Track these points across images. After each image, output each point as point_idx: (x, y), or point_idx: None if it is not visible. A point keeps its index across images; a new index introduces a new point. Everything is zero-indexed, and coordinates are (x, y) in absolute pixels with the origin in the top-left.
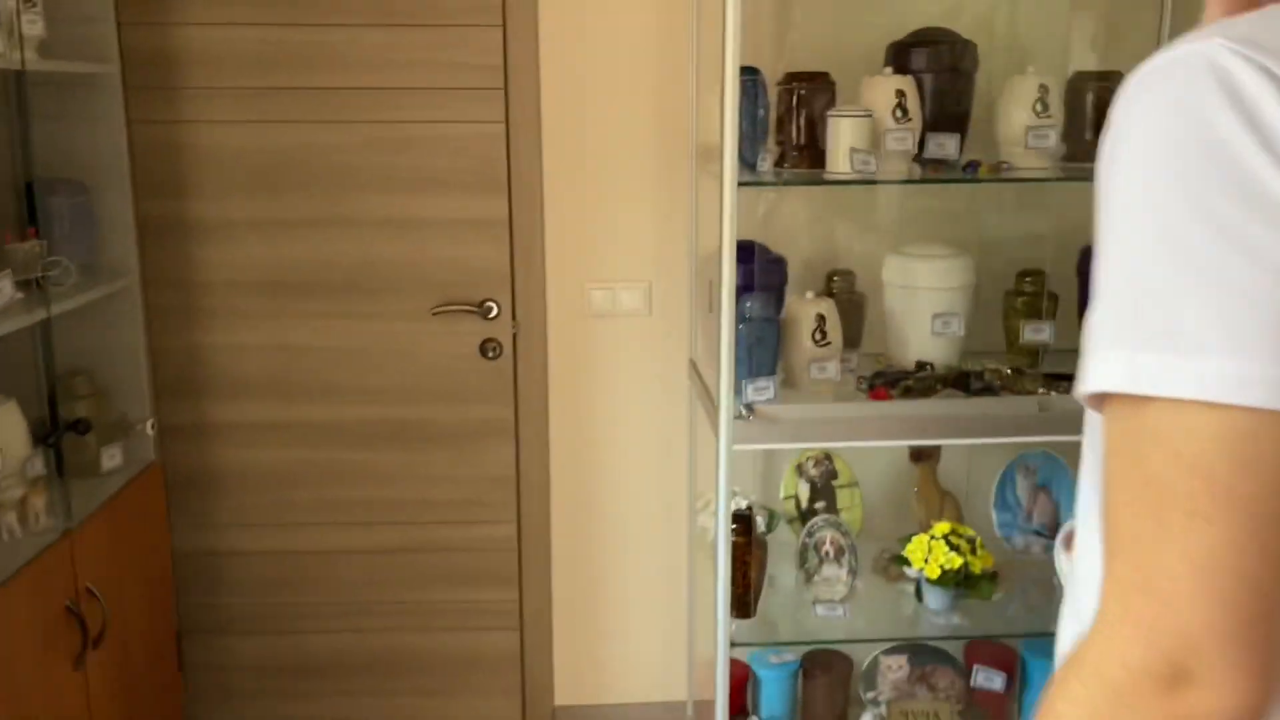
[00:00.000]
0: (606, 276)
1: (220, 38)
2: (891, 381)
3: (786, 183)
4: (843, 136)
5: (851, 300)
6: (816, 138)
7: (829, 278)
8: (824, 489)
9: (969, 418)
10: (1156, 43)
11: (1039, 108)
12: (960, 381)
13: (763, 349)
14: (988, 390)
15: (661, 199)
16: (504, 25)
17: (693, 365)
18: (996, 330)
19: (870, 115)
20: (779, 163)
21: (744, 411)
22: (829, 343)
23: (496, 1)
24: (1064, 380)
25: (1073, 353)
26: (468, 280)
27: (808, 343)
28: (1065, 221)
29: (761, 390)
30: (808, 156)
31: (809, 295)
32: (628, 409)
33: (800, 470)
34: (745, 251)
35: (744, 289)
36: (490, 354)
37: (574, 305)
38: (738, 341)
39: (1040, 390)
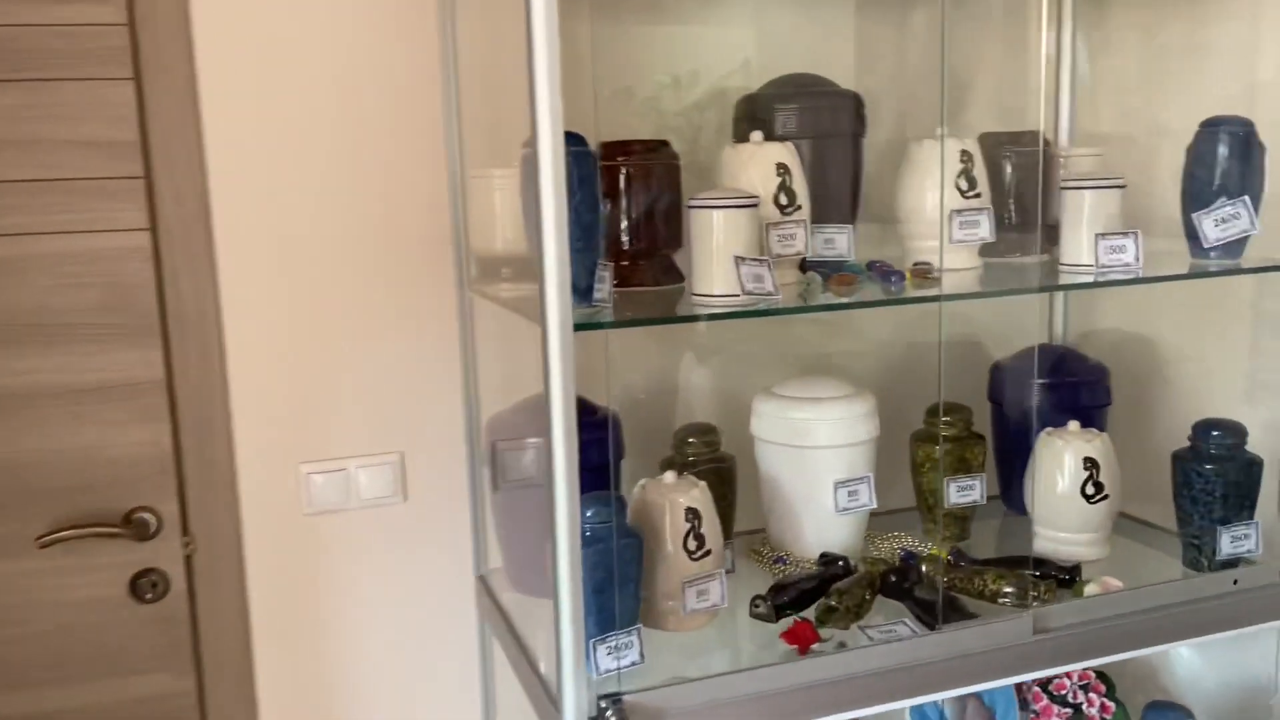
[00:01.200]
0: (332, 450)
1: None
2: (798, 597)
3: (654, 321)
4: (718, 237)
5: (719, 471)
6: (660, 238)
7: (681, 440)
8: None
9: (934, 660)
10: (1056, 95)
11: (964, 183)
12: (896, 585)
13: (621, 582)
14: (955, 608)
15: (412, 333)
16: (137, 77)
17: (483, 585)
18: (898, 485)
19: (757, 203)
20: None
21: (605, 710)
22: (708, 551)
23: (121, 40)
24: (1044, 572)
25: (990, 505)
26: (103, 482)
27: (678, 555)
28: (971, 332)
29: (623, 652)
30: (651, 268)
31: (668, 478)
32: (382, 658)
33: None
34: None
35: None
36: (148, 595)
37: (283, 499)
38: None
39: (1007, 593)
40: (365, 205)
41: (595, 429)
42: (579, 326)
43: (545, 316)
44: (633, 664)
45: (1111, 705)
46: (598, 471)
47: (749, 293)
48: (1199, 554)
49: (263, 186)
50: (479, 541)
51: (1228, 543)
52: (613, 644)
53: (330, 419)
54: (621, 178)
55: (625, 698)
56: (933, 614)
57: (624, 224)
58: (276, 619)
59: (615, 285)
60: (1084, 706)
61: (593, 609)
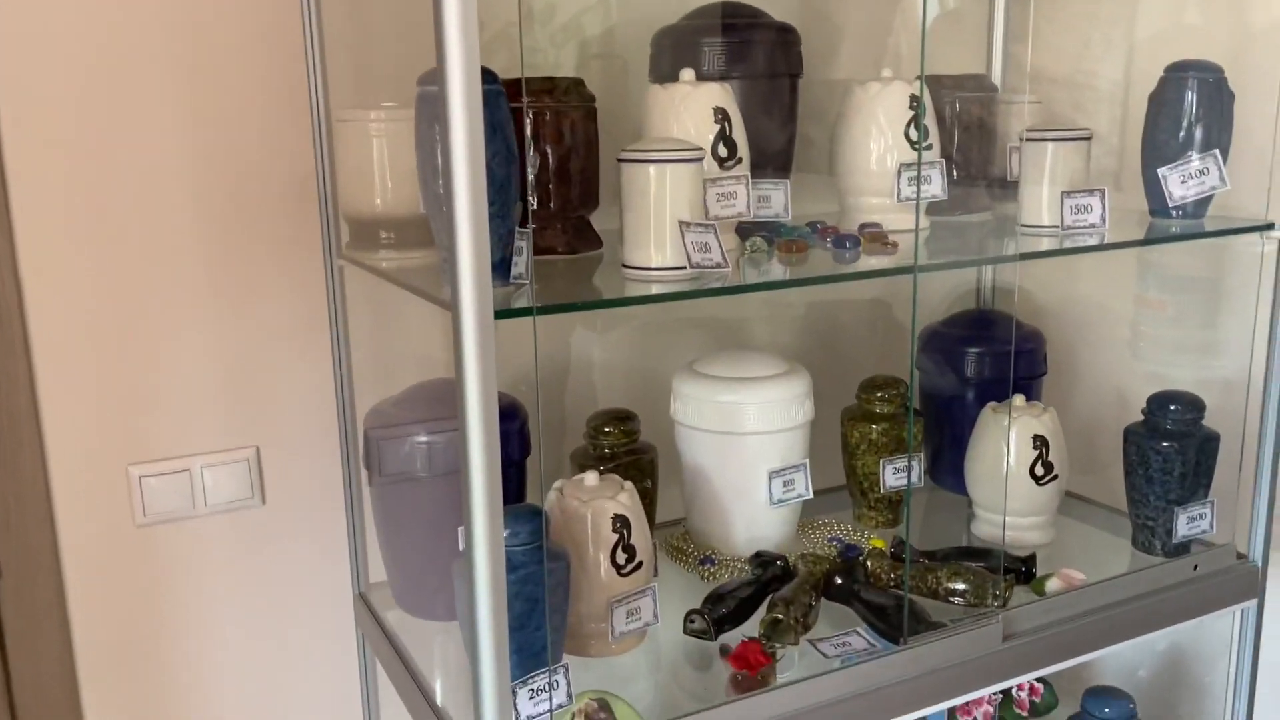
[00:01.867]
0: (170, 448)
1: None
2: (738, 608)
3: (592, 305)
4: (657, 197)
5: (640, 464)
6: (575, 196)
7: (596, 429)
8: None
9: (901, 679)
10: (988, 29)
11: (913, 132)
12: (842, 587)
13: (551, 611)
14: (913, 614)
15: (268, 308)
16: None
17: (364, 604)
18: (824, 465)
19: (702, 156)
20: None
21: None
22: (639, 564)
23: None
24: (999, 565)
25: (943, 498)
26: None
27: (605, 572)
28: (887, 294)
29: (548, 693)
30: (565, 232)
31: (589, 479)
32: (243, 693)
33: None
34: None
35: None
36: None
37: (110, 509)
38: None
39: (960, 590)
40: (206, 154)
41: (503, 421)
42: (501, 314)
43: (459, 303)
44: (560, 706)
45: (1040, 686)
46: (509, 474)
47: (697, 265)
48: (1151, 536)
49: (73, 128)
50: (357, 553)
51: (1184, 524)
52: (536, 685)
53: (166, 411)
54: (528, 124)
55: None
56: (885, 619)
57: (532, 180)
58: (109, 654)
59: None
60: (1013, 690)
61: (513, 646)
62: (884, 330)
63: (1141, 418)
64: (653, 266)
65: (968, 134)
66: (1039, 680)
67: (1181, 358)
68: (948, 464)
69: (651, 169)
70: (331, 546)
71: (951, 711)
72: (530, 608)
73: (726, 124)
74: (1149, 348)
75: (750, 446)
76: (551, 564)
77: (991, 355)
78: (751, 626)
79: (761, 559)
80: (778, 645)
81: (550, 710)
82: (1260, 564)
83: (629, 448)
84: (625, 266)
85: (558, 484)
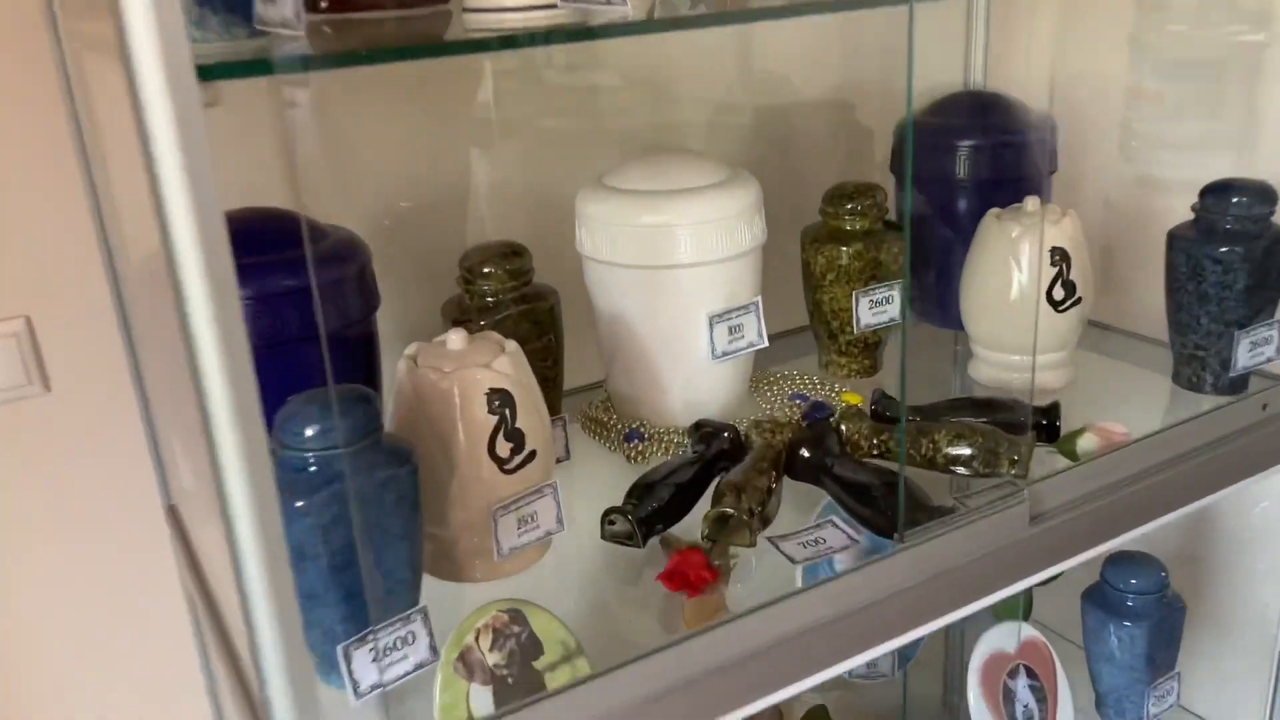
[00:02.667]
0: None
1: None
2: (672, 500)
3: (390, 55)
4: None
5: (534, 315)
6: None
7: (472, 271)
8: (521, 679)
9: (901, 589)
10: None
11: None
12: (809, 462)
13: (387, 541)
14: (919, 505)
15: (7, 120)
16: None
17: (174, 519)
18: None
19: None
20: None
21: None
22: (530, 454)
23: None
24: (1015, 419)
25: (928, 335)
26: None
27: (482, 469)
28: (846, 86)
29: (399, 651)
30: None
31: (453, 339)
32: (47, 634)
33: (467, 664)
34: (264, 238)
35: (275, 349)
36: None
37: None
38: (298, 558)
39: (965, 457)
40: None
41: (324, 266)
42: (210, 71)
43: (128, 52)
44: (418, 667)
45: None
46: (343, 341)
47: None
48: (1201, 369)
49: None
50: (160, 455)
51: (1245, 352)
52: (381, 643)
53: None
54: None
55: None
56: (870, 503)
57: None
58: None
59: (329, 8)
60: None
61: (333, 597)
62: (846, 138)
63: (1192, 216)
64: (507, 6)
65: None
66: None
67: (1217, 155)
68: (934, 293)
69: None
70: (135, 444)
71: None
72: (355, 542)
73: None
74: (1183, 129)
75: (683, 283)
76: (386, 472)
77: (990, 148)
78: (694, 522)
79: (703, 430)
80: (725, 544)
81: (389, 682)
82: None
83: (520, 293)
84: (467, 10)
85: (410, 349)
